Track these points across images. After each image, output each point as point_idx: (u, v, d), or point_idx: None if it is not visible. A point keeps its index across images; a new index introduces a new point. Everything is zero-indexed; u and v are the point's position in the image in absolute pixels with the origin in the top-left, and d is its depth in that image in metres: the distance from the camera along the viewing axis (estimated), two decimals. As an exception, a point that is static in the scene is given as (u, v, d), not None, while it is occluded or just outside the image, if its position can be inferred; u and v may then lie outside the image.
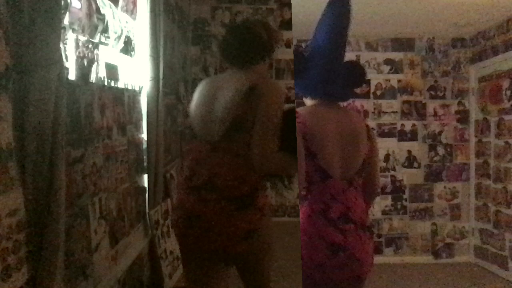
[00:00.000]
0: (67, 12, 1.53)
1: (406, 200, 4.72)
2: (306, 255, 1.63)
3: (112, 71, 2.11)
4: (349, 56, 4.64)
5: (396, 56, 4.70)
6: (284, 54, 4.66)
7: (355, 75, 1.78)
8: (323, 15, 1.76)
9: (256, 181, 1.65)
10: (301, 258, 1.67)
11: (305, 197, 1.68)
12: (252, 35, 1.75)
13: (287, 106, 1.68)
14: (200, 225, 1.60)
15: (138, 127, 2.57)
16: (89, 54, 1.79)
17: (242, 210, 1.60)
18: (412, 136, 4.72)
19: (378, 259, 4.44)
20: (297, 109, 1.68)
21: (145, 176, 2.68)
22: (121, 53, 2.28)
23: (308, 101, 1.81)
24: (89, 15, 1.78)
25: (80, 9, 1.69)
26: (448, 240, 4.72)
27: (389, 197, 4.70)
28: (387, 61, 4.71)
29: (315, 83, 1.70)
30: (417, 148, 4.71)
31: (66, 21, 1.52)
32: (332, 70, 1.69)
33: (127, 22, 2.33)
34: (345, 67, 1.73)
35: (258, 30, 1.77)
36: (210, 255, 1.66)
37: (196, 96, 1.85)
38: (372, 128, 4.68)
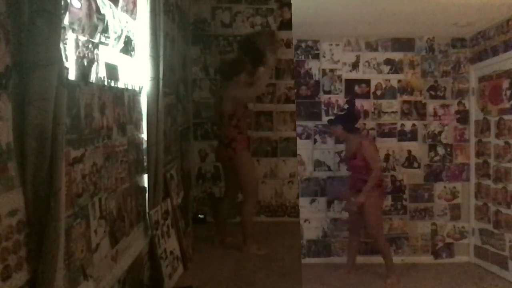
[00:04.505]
0: (67, 12, 1.53)
1: (406, 200, 4.72)
2: (381, 190, 4.18)
3: (112, 71, 2.11)
4: (350, 56, 4.67)
5: (396, 56, 4.70)
6: (284, 54, 4.67)
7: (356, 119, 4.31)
8: (345, 102, 4.44)
9: (233, 137, 3.69)
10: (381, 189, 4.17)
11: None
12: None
13: None
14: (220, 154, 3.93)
15: (138, 127, 2.57)
16: (89, 54, 1.79)
17: (227, 148, 3.73)
18: (412, 136, 4.72)
19: (378, 259, 4.44)
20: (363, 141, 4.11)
21: (145, 176, 2.69)
22: (121, 53, 2.28)
23: (340, 130, 4.16)
24: (89, 15, 1.78)
25: (80, 9, 1.69)
26: (448, 240, 4.72)
27: (389, 197, 4.70)
28: (387, 61, 4.70)
29: (353, 126, 4.16)
30: (417, 148, 4.71)
31: (66, 21, 1.52)
32: (354, 122, 4.20)
33: (127, 22, 2.33)
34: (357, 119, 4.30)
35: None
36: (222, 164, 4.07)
37: None
38: (372, 128, 4.69)
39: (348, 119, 4.09)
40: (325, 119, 4.63)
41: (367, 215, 4.00)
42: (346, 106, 4.23)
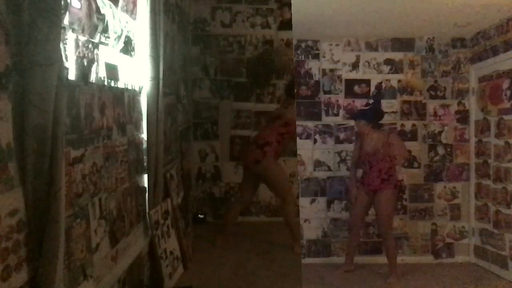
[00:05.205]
0: (67, 12, 1.53)
1: (406, 200, 4.72)
2: (398, 191, 4.25)
3: (112, 71, 2.11)
4: (350, 56, 4.66)
5: (396, 56, 4.69)
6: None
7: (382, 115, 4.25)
8: (371, 97, 4.45)
9: (268, 141, 3.87)
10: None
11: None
12: None
13: None
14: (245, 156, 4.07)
15: (138, 127, 2.57)
16: (89, 54, 1.80)
17: (257, 149, 3.86)
18: (412, 136, 4.71)
19: (378, 259, 4.44)
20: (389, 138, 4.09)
21: (145, 176, 2.69)
22: (121, 53, 2.28)
23: (365, 126, 4.06)
24: (89, 15, 1.78)
25: (80, 9, 1.69)
26: (448, 240, 4.71)
27: (389, 197, 4.69)
28: (387, 61, 4.70)
29: (377, 121, 4.12)
30: (417, 148, 4.71)
31: (66, 21, 1.52)
32: (379, 115, 4.16)
33: (127, 22, 2.33)
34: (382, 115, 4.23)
35: None
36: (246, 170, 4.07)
37: None
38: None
39: (373, 114, 4.11)
40: (325, 119, 4.63)
41: (382, 213, 4.01)
42: (371, 101, 4.23)
